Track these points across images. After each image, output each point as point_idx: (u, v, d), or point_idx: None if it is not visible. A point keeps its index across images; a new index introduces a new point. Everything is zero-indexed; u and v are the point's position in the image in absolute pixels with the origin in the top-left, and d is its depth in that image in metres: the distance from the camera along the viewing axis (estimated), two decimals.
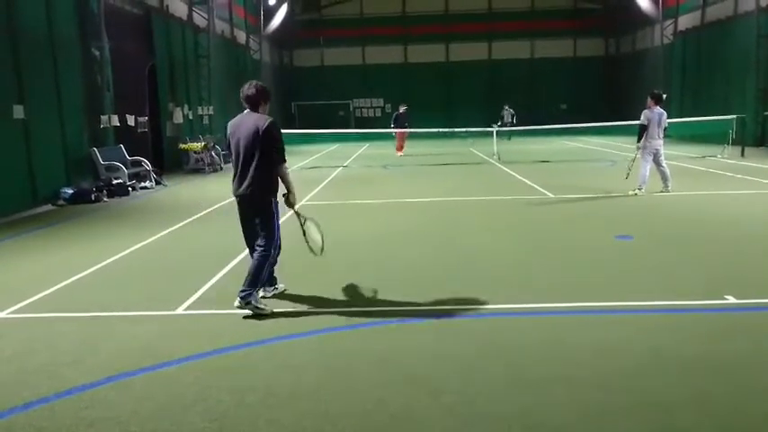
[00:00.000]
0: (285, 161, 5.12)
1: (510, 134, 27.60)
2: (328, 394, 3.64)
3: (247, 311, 4.99)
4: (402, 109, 22.43)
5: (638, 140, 10.95)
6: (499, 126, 25.43)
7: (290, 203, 5.24)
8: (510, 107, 30.10)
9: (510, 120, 29.32)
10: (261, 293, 5.35)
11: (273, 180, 5.11)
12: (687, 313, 4.88)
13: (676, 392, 3.54)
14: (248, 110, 5.14)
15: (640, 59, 32.70)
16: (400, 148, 22.12)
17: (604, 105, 34.28)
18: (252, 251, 5.26)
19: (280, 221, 5.24)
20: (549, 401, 3.48)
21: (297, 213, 5.43)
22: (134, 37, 16.81)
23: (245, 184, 5.06)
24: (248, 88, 5.14)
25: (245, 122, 5.07)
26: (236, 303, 5.00)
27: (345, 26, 37.12)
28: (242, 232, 5.36)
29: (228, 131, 5.21)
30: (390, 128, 22.69)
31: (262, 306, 5.03)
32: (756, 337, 4.34)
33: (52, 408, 3.56)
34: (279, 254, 5.38)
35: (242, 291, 5.00)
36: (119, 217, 10.58)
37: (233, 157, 5.18)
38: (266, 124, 4.98)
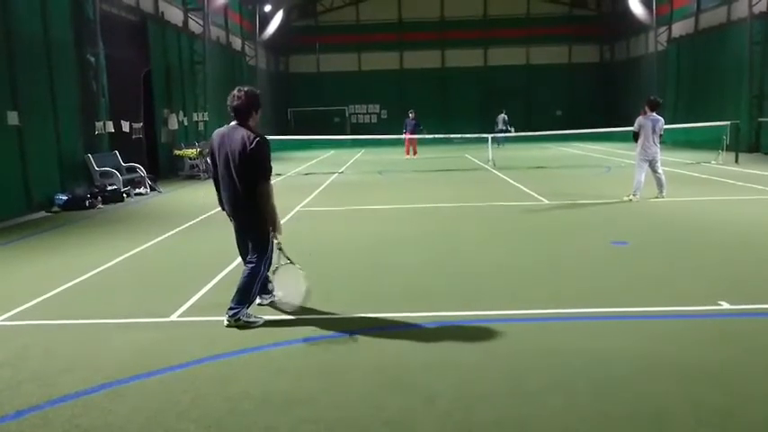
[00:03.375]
0: (267, 182, 4.68)
1: (500, 141, 27.68)
2: (324, 401, 3.62)
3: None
4: (410, 115, 24.23)
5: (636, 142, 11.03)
6: (494, 133, 26.18)
7: (273, 233, 4.82)
8: (505, 114, 29.98)
9: (504, 127, 29.18)
10: (258, 301, 5.31)
11: None
12: (682, 319, 4.89)
13: (672, 400, 3.54)
14: (236, 123, 4.75)
15: (635, 66, 32.88)
16: (408, 151, 23.82)
17: (599, 111, 34.43)
18: (245, 262, 5.08)
19: (272, 246, 5.06)
20: (546, 409, 3.47)
21: (280, 249, 4.99)
22: (129, 43, 16.80)
23: (236, 205, 4.84)
24: (236, 98, 4.67)
25: (233, 139, 4.67)
26: (225, 322, 4.88)
27: (341, 32, 37.21)
28: (236, 243, 5.25)
29: (214, 143, 4.84)
30: (403, 133, 24.31)
31: (252, 319, 4.91)
32: (750, 344, 4.34)
33: (45, 415, 3.54)
34: (269, 269, 5.19)
35: (230, 308, 4.88)
36: (113, 223, 10.55)
37: (218, 173, 4.88)
38: (254, 144, 4.59)
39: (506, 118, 29.37)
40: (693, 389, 3.67)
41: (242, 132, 4.68)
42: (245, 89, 4.77)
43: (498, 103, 35.32)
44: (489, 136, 21.44)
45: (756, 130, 21.08)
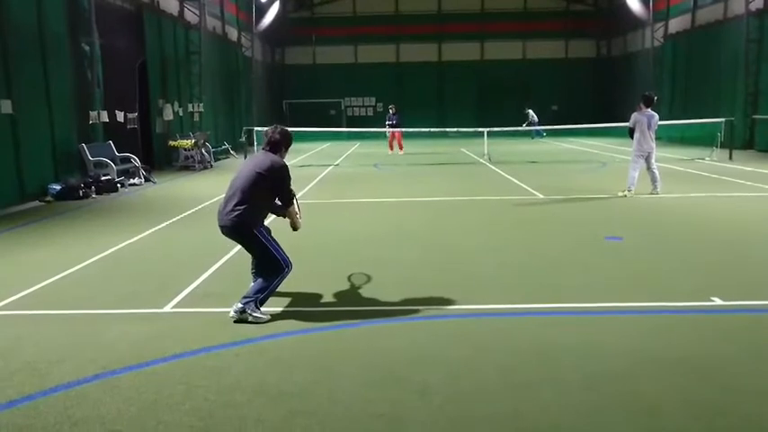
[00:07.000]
0: (292, 203, 5.25)
1: (534, 134, 28.64)
2: (316, 393, 3.63)
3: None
4: (391, 110, 22.84)
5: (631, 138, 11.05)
6: (526, 126, 28.01)
7: (294, 228, 5.41)
8: (530, 108, 30.73)
9: (537, 119, 29.98)
10: None
11: (256, 213, 5.01)
12: (674, 315, 4.91)
13: (664, 394, 3.56)
14: (268, 149, 5.20)
15: (631, 62, 32.87)
16: (391, 146, 22.59)
17: (595, 107, 34.44)
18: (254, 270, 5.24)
19: (274, 244, 5.05)
20: (538, 403, 3.49)
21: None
22: (125, 33, 16.68)
23: (227, 212, 4.92)
24: (275, 133, 5.23)
25: (261, 159, 5.12)
26: (231, 313, 4.83)
27: (338, 24, 37.02)
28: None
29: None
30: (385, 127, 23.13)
31: (258, 315, 4.84)
32: (741, 339, 4.37)
33: (37, 406, 3.53)
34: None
35: (244, 297, 4.86)
36: (107, 214, 10.51)
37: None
38: (279, 166, 5.05)
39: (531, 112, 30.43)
40: (685, 384, 3.69)
41: (272, 156, 5.14)
42: (281, 128, 5.33)
43: (494, 97, 35.45)
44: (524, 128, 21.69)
45: (751, 127, 21.12)
